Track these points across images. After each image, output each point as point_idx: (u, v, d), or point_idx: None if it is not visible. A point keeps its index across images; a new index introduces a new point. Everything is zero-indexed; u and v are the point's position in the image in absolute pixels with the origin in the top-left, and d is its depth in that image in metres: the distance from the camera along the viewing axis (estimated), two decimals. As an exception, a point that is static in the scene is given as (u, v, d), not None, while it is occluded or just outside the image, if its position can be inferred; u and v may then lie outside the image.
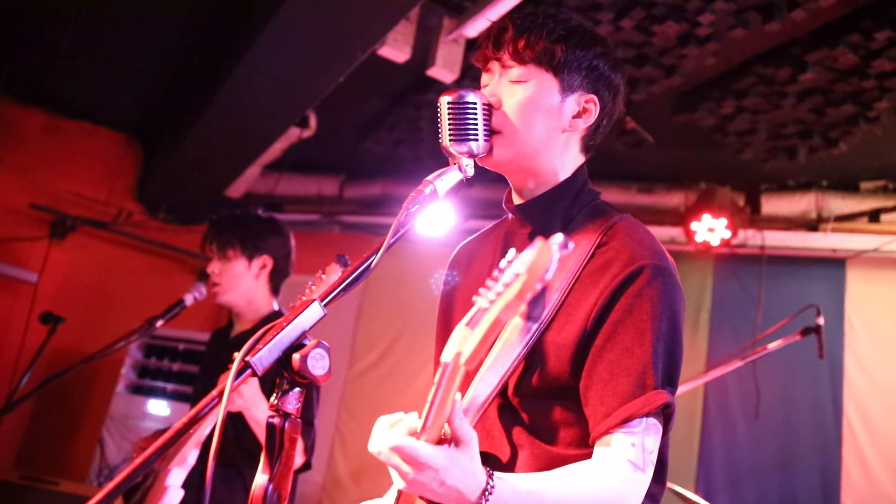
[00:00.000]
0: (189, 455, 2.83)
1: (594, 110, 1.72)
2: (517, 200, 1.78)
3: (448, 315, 1.86)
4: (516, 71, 1.68)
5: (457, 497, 1.31)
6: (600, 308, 1.54)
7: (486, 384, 1.56)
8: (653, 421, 1.49)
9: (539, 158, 1.70)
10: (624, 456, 1.46)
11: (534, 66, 1.67)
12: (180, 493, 2.80)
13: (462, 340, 1.21)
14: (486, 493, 1.32)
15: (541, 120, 1.67)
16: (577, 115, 1.71)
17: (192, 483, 2.86)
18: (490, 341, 1.20)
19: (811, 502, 5.17)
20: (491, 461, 1.58)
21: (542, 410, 1.59)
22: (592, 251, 1.62)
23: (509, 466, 1.57)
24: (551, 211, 1.73)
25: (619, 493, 1.45)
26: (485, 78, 1.75)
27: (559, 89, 1.68)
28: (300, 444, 2.96)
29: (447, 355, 1.22)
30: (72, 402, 6.23)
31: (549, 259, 1.14)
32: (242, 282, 3.30)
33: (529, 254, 1.16)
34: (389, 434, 1.32)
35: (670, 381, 1.53)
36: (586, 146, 1.80)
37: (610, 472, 1.45)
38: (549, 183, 1.74)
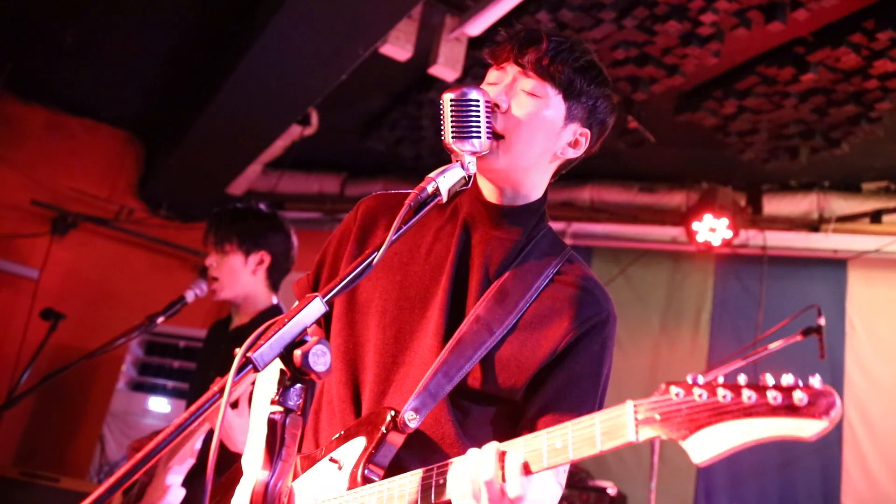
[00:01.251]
0: (189, 454, 2.83)
1: (583, 144, 1.79)
2: (492, 199, 1.78)
3: (338, 258, 1.86)
4: (532, 83, 1.70)
5: None
6: (568, 343, 1.66)
7: (444, 380, 1.61)
8: None
9: (527, 174, 1.75)
10: (559, 479, 1.63)
11: (551, 85, 1.70)
12: (181, 492, 2.80)
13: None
14: None
15: (542, 138, 1.71)
16: (571, 145, 1.77)
17: (191, 482, 2.86)
18: None
19: (811, 503, 5.16)
20: (436, 452, 1.61)
21: (479, 415, 1.67)
22: (552, 276, 1.73)
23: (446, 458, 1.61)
24: (524, 223, 1.77)
25: None
26: (494, 74, 1.76)
27: (564, 115, 1.72)
28: None
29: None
30: (72, 398, 6.24)
31: None
32: (240, 276, 3.28)
33: None
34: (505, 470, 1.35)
35: None
36: (557, 174, 1.86)
37: (554, 493, 1.59)
38: (525, 198, 1.78)
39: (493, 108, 1.65)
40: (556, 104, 1.71)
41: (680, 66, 4.47)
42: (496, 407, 1.67)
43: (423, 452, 1.59)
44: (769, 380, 1.10)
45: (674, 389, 1.15)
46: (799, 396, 1.06)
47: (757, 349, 3.95)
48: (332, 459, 1.62)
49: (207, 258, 3.33)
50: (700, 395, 1.13)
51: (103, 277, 6.52)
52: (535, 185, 1.78)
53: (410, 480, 1.46)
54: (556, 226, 6.09)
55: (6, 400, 3.28)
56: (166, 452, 2.91)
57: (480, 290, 1.70)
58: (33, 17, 5.07)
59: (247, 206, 3.47)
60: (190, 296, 3.29)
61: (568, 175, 1.88)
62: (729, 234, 5.40)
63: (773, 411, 1.08)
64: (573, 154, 1.78)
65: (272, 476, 1.28)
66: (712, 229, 5.41)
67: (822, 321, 3.86)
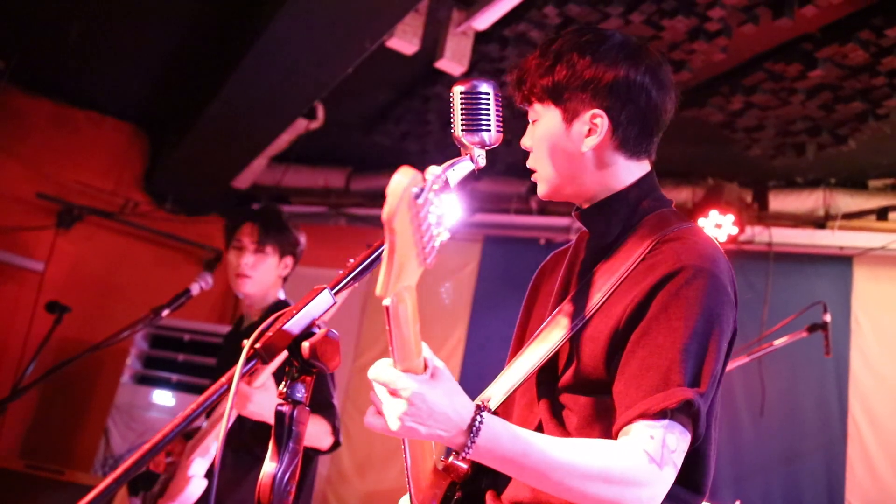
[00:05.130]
0: (212, 446, 2.83)
1: (602, 123, 1.67)
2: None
3: (525, 319, 1.90)
4: (530, 112, 1.77)
5: (446, 424, 1.34)
6: (636, 305, 1.53)
7: (515, 373, 1.63)
8: (677, 421, 1.47)
9: (576, 183, 1.73)
10: (641, 445, 1.43)
11: (539, 103, 1.73)
12: (203, 483, 2.80)
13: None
14: (478, 418, 1.37)
15: (556, 152, 1.71)
16: (587, 135, 1.69)
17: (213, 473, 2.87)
18: (394, 269, 1.19)
19: (816, 500, 5.16)
20: None
21: (576, 405, 1.60)
22: (643, 255, 1.61)
23: None
24: (608, 217, 1.72)
25: (626, 475, 1.42)
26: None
27: (562, 118, 1.70)
28: (327, 426, 3.14)
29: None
30: (77, 391, 6.25)
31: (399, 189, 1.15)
32: (270, 277, 3.32)
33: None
34: (375, 368, 1.37)
35: (698, 382, 1.49)
36: (633, 152, 1.75)
37: (623, 454, 1.44)
38: (604, 194, 1.74)
39: (502, 99, 1.67)
40: (549, 116, 1.72)
41: (687, 61, 4.45)
42: (588, 394, 1.59)
43: None
44: None
45: None
46: None
47: (762, 345, 3.94)
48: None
49: (243, 255, 3.29)
50: None
51: (108, 270, 6.53)
52: (603, 181, 1.72)
53: None
54: (561, 221, 6.05)
55: (11, 392, 3.27)
56: (190, 445, 2.93)
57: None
58: (38, 10, 5.07)
59: (278, 207, 3.48)
60: (195, 289, 3.29)
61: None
62: (735, 231, 5.38)
63: None
64: (596, 139, 1.67)
65: (280, 468, 1.28)
66: (718, 225, 5.40)
67: (828, 318, 3.85)
